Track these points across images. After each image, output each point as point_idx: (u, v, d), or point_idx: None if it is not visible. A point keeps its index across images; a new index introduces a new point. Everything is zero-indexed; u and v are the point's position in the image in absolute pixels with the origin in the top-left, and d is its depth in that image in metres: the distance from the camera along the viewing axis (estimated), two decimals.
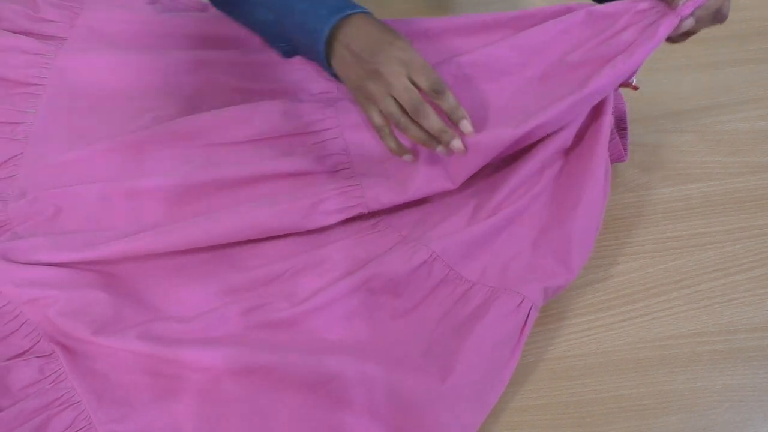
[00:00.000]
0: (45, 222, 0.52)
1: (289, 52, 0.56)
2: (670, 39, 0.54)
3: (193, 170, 0.55)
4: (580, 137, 0.56)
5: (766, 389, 0.50)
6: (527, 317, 0.49)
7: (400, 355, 0.48)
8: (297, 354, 0.46)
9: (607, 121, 0.55)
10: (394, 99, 0.49)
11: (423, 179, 0.54)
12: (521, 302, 0.49)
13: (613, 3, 0.54)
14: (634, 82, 0.55)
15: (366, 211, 0.54)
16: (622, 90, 0.59)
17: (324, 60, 0.51)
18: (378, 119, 0.51)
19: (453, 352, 0.47)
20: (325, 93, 0.61)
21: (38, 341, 0.48)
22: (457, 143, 0.49)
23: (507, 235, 0.54)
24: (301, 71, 0.62)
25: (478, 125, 0.52)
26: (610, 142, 0.56)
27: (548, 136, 0.55)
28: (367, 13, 0.51)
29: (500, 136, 0.51)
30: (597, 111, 0.55)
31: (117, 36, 0.62)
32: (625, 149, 0.61)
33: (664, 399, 0.49)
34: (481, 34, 0.58)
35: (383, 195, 0.54)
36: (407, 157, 0.53)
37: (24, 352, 0.47)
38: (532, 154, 0.55)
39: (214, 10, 0.62)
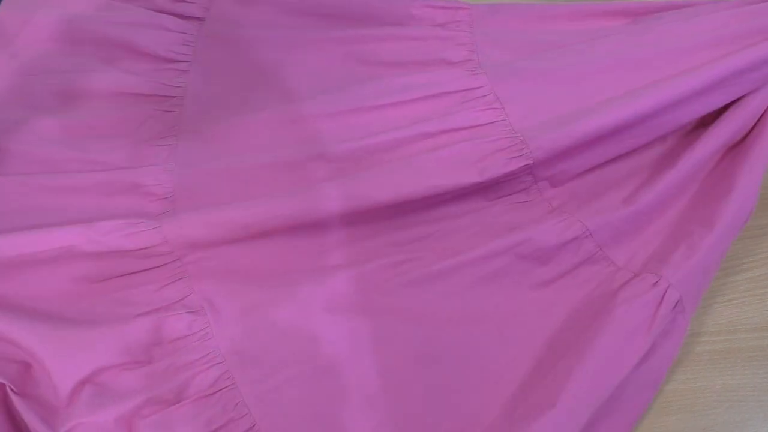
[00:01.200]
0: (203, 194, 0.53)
1: None
2: None
3: (363, 137, 0.54)
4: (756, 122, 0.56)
5: (766, 389, 0.50)
6: (662, 298, 0.47)
7: (529, 330, 0.49)
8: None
9: None
10: None
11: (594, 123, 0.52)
12: (657, 281, 0.48)
13: None
14: None
15: (531, 161, 0.52)
16: None
17: None
18: None
19: (585, 337, 0.47)
20: (466, 60, 0.59)
21: (189, 295, 0.48)
22: None
23: (662, 222, 0.53)
24: (435, 40, 0.61)
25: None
26: None
27: (725, 119, 0.54)
28: None
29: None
30: None
31: (244, 18, 0.63)
32: None
33: (663, 399, 0.49)
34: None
35: (544, 139, 0.52)
36: None
37: (173, 304, 0.48)
38: (708, 134, 0.54)
39: None
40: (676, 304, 0.48)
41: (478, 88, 0.56)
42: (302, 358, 0.47)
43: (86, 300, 0.48)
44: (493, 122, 0.54)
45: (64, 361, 0.44)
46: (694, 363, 0.51)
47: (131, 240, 0.48)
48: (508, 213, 0.54)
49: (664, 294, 0.48)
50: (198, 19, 0.62)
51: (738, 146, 0.55)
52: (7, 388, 0.44)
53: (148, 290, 0.48)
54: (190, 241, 0.49)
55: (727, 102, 0.55)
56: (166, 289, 0.48)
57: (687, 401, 0.49)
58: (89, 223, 0.48)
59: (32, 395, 0.44)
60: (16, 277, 0.47)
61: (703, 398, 0.49)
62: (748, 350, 0.51)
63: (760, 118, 0.55)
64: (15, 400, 0.43)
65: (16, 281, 0.47)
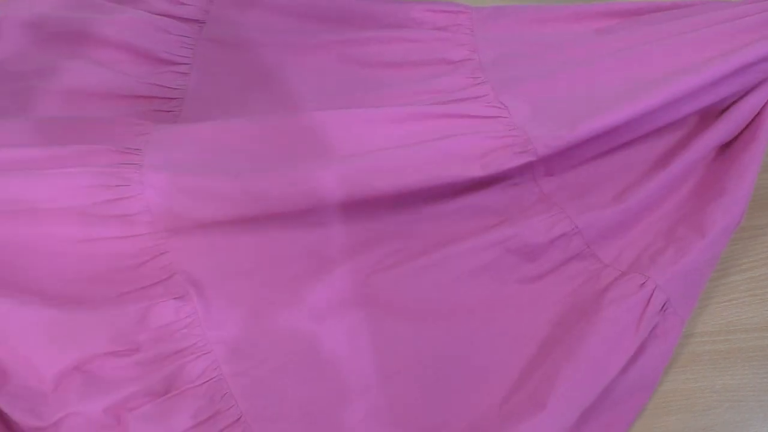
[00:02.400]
0: None
1: None
2: None
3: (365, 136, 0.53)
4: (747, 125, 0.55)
5: (766, 389, 0.50)
6: (649, 299, 0.48)
7: (523, 325, 0.49)
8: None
9: None
10: None
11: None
12: (644, 282, 0.48)
13: None
14: None
15: (535, 158, 0.52)
16: None
17: None
18: None
19: (573, 336, 0.47)
20: (467, 59, 0.59)
21: (173, 275, 0.47)
22: None
23: (650, 220, 0.53)
24: (436, 42, 0.61)
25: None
26: None
27: (721, 121, 0.54)
28: None
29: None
30: None
31: (244, 21, 0.63)
32: None
33: (663, 399, 0.49)
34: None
35: (550, 137, 0.51)
36: None
37: (159, 282, 0.47)
38: (702, 136, 0.54)
39: None
40: (664, 306, 0.48)
41: (484, 96, 0.56)
42: (289, 348, 0.47)
43: (68, 282, 0.46)
44: (496, 117, 0.54)
45: (48, 346, 0.43)
46: (694, 363, 0.51)
47: (113, 206, 0.46)
48: (498, 196, 0.53)
49: (651, 295, 0.48)
50: (198, 21, 0.62)
51: (729, 149, 0.55)
52: None
53: (131, 266, 0.47)
54: (176, 215, 0.47)
55: (732, 96, 0.54)
56: (150, 267, 0.47)
57: (687, 401, 0.49)
58: (71, 179, 0.46)
59: (11, 391, 0.43)
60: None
61: (703, 398, 0.49)
62: (747, 350, 0.52)
63: (753, 120, 0.55)
64: None
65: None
